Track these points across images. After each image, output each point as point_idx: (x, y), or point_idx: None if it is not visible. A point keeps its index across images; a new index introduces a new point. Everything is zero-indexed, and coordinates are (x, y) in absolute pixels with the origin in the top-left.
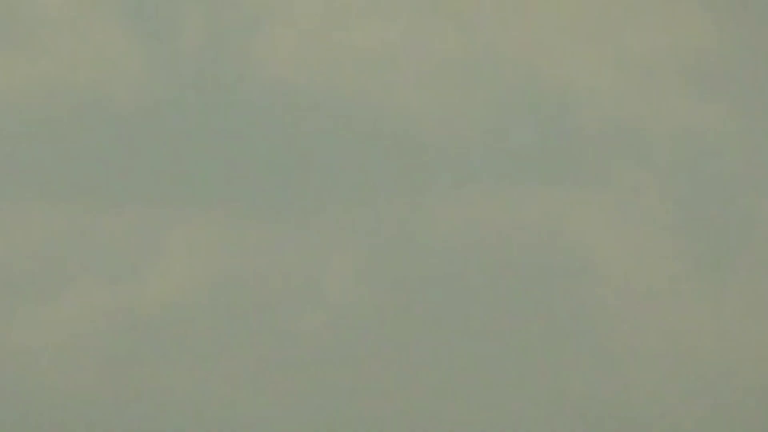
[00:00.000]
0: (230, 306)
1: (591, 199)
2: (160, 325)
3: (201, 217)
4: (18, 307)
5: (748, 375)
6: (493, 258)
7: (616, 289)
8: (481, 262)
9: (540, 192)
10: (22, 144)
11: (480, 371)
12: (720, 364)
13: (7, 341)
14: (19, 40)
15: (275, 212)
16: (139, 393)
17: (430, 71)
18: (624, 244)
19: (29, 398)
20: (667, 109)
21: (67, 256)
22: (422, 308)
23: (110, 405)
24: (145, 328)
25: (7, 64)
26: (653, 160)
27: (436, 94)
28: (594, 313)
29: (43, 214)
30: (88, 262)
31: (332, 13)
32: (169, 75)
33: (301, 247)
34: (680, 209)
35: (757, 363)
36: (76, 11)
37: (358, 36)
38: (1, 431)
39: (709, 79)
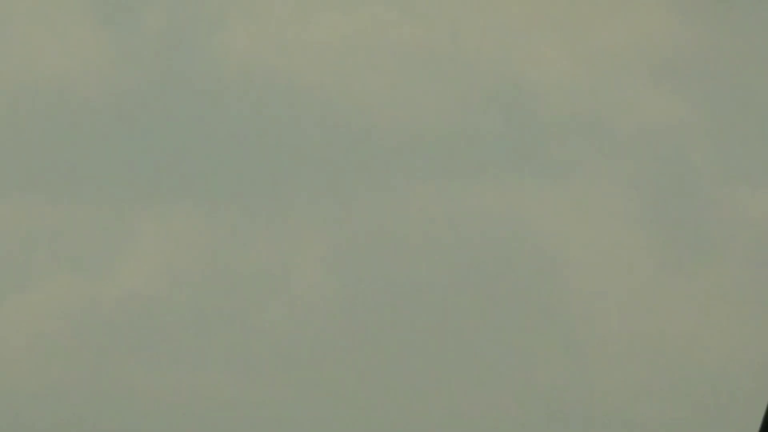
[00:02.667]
0: (199, 297)
1: (559, 190)
2: (130, 317)
3: (170, 208)
4: None
5: (713, 359)
6: (461, 248)
7: (582, 278)
8: (448, 253)
9: (508, 183)
10: None
11: (448, 361)
12: (685, 349)
13: None
14: None
15: (244, 203)
16: (108, 385)
17: (396, 64)
18: (590, 235)
19: None
20: (634, 104)
21: (36, 246)
22: (390, 299)
23: (79, 398)
24: (115, 319)
25: None
26: (620, 152)
27: (402, 86)
28: (560, 301)
29: (10, 205)
30: (56, 252)
31: (294, 4)
32: (137, 65)
33: (270, 238)
34: (646, 200)
35: (721, 345)
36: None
37: (321, 28)
38: None
39: (675, 76)
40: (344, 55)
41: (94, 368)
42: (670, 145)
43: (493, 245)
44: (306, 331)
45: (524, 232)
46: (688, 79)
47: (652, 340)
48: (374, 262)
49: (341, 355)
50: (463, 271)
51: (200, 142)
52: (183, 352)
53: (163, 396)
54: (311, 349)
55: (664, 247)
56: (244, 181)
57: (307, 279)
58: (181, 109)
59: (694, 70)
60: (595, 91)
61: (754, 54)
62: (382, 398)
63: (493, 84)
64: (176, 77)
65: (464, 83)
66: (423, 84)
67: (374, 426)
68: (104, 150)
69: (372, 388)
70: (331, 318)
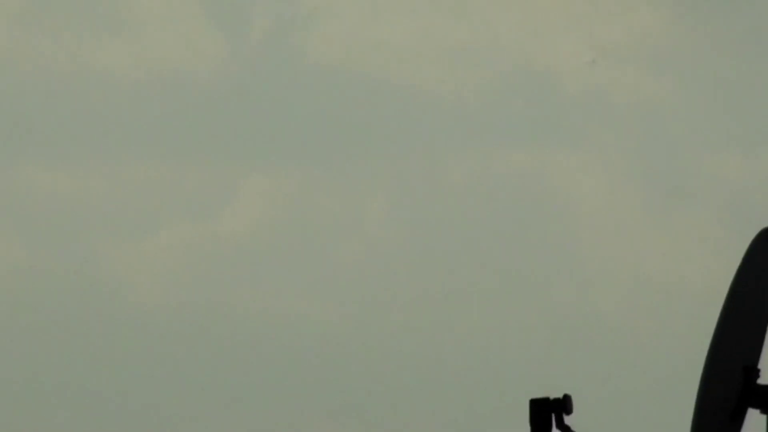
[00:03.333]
0: (289, 237)
1: (569, 155)
2: (237, 253)
3: (266, 170)
4: (122, 242)
5: (687, 283)
6: (493, 202)
7: (589, 225)
8: (483, 206)
9: (530, 150)
10: (122, 112)
11: (476, 294)
12: (666, 274)
13: (115, 270)
14: (117, 30)
15: (323, 164)
16: (222, 306)
17: (443, 56)
18: (596, 188)
19: (133, 312)
20: (627, 84)
21: (163, 200)
22: (439, 234)
23: (198, 315)
24: (225, 255)
25: (109, 49)
26: (617, 124)
27: (450, 72)
28: (572, 243)
29: (142, 168)
30: (178, 205)
31: (367, 10)
32: (243, 58)
33: (343, 190)
34: (637, 162)
35: (693, 273)
36: (165, 3)
37: (389, 28)
38: (106, 353)
39: (660, 60)
40: (405, 53)
41: (208, 293)
42: (657, 118)
43: (522, 197)
44: (376, 266)
45: (544, 185)
46: (671, 64)
47: (641, 267)
48: (428, 211)
49: (405, 286)
50: (497, 221)
51: (291, 120)
52: (278, 281)
53: (259, 318)
54: (379, 278)
55: (652, 197)
56: (325, 147)
57: (376, 223)
58: (278, 95)
59: (677, 57)
60: (600, 75)
61: (724, 47)
62: (446, 319)
63: (519, 69)
64: (276, 71)
65: (498, 70)
66: (465, 73)
67: (442, 350)
68: (214, 126)
69: (435, 308)
70: (396, 254)
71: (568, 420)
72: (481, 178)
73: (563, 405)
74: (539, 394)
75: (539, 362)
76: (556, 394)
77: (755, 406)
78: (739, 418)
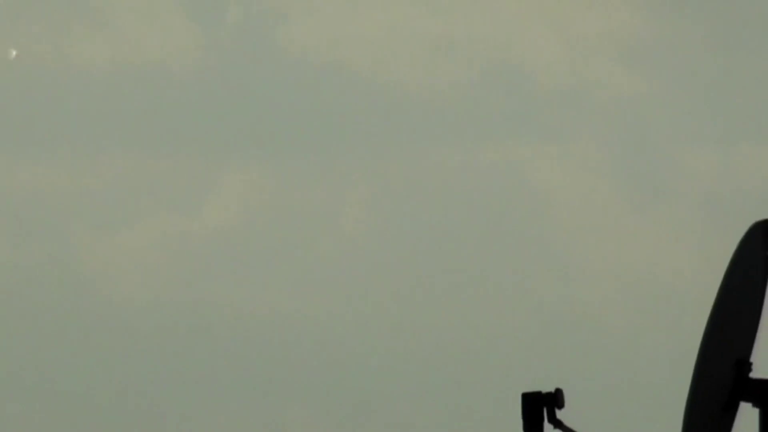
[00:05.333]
0: (268, 231)
1: (547, 150)
2: (216, 246)
3: (245, 162)
4: (99, 236)
5: (662, 276)
6: (472, 197)
7: (566, 215)
8: (462, 201)
9: (507, 145)
10: (100, 106)
11: (466, 277)
12: (643, 268)
13: (90, 264)
14: (93, 23)
15: (303, 158)
16: (200, 301)
17: (421, 50)
18: (573, 182)
19: (111, 307)
20: (606, 80)
21: (140, 192)
22: (419, 228)
23: (178, 308)
24: (204, 248)
25: (84, 42)
26: (595, 120)
27: (427, 66)
28: (551, 238)
29: (120, 159)
30: (157, 197)
31: (343, 3)
32: (218, 51)
33: (324, 184)
34: (616, 156)
35: (668, 266)
36: None
37: (367, 21)
38: (82, 347)
39: (638, 56)
40: (384, 44)
41: (185, 288)
42: (633, 113)
43: (499, 190)
44: (353, 260)
45: (522, 179)
46: (648, 60)
47: (618, 261)
48: (406, 203)
49: (385, 279)
50: (475, 213)
51: (269, 112)
52: (256, 273)
53: (238, 312)
54: (359, 275)
55: (628, 191)
56: (304, 140)
57: (353, 218)
58: (254, 87)
59: (654, 53)
60: (578, 70)
61: (703, 42)
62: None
63: (500, 67)
64: (251, 62)
65: (475, 65)
66: (444, 67)
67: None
68: (193, 117)
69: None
70: (375, 250)
71: (560, 414)
72: (459, 173)
73: (555, 399)
74: (528, 389)
75: (526, 356)
76: (546, 388)
77: (747, 400)
78: (731, 412)
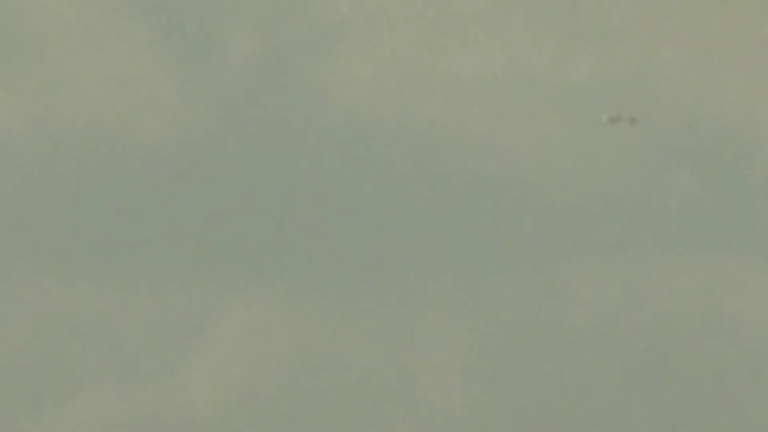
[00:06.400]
0: (291, 415)
1: None
2: None
3: (250, 296)
4: (15, 415)
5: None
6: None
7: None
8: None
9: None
10: (19, 201)
11: None
12: None
13: None
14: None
15: (346, 289)
16: None
17: (541, 103)
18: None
19: None
20: None
21: (75, 348)
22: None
23: None
24: None
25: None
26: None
27: (553, 130)
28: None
29: (46, 293)
30: (100, 356)
31: (420, 30)
32: (213, 108)
33: (383, 336)
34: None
35: None
36: (88, 18)
37: (450, 62)
38: None
39: None
40: (482, 94)
41: None
42: None
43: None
44: None
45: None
46: None
47: None
48: (517, 361)
49: None
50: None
51: (296, 210)
52: None
53: None
54: None
55: None
56: (346, 260)
57: (436, 389)
58: (267, 163)
59: None
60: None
61: None
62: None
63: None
64: (268, 127)
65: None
66: (577, 133)
67: None
68: (165, 216)
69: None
70: None
71: None
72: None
73: None
74: None
75: None
76: None
77: None
78: None
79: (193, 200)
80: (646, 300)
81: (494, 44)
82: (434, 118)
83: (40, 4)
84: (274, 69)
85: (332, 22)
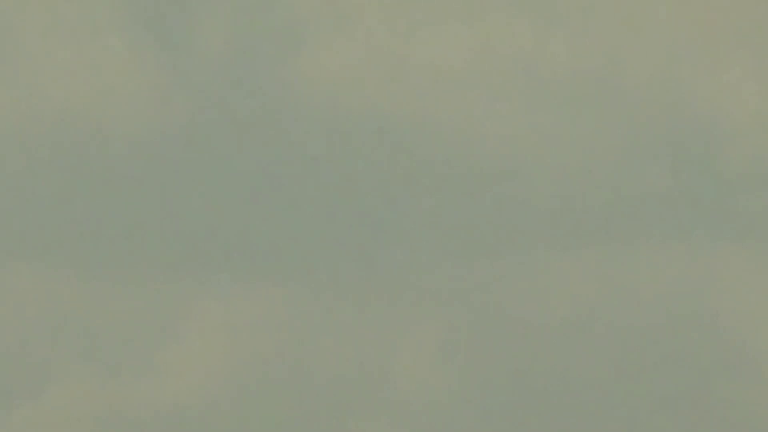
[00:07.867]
0: (266, 410)
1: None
2: None
3: (229, 287)
4: None
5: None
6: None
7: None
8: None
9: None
10: None
11: None
12: None
13: None
14: None
15: (329, 280)
16: None
17: (517, 92)
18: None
19: None
20: None
21: (52, 339)
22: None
23: None
24: None
25: None
26: None
27: (529, 120)
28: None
29: (22, 285)
30: (76, 347)
31: (393, 22)
32: (187, 100)
33: (363, 327)
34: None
35: None
36: (63, 18)
37: (425, 50)
38: None
39: None
40: (456, 83)
41: None
42: None
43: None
44: None
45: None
46: None
47: None
48: (499, 354)
49: None
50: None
51: (273, 202)
52: None
53: None
54: None
55: None
56: (328, 251)
57: (415, 381)
58: (245, 156)
59: None
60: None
61: None
62: None
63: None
64: (238, 114)
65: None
66: (555, 120)
67: None
68: (144, 209)
69: None
70: None
71: None
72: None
73: None
74: None
75: None
76: None
77: None
78: None
79: (171, 192)
80: (625, 293)
81: (469, 32)
82: (410, 108)
83: None
84: (250, 59)
85: (309, 11)
